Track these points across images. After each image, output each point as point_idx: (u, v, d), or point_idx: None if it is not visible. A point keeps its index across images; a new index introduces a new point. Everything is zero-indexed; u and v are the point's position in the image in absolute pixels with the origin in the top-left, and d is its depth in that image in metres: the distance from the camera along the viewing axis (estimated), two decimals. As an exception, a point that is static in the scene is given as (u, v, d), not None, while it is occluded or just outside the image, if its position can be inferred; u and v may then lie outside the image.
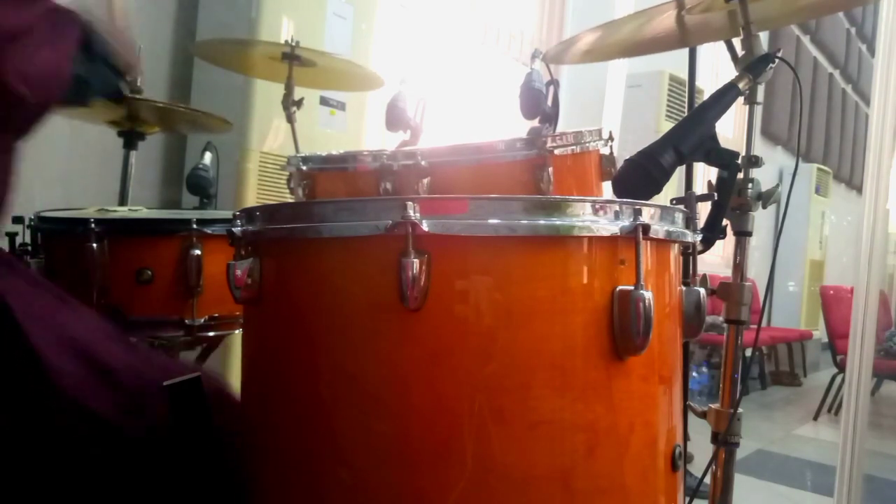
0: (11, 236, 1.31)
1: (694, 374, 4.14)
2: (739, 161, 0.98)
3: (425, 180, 0.97)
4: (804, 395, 5.01)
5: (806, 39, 6.53)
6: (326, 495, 0.74)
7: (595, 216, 0.72)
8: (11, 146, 0.73)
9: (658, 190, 0.87)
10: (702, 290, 0.85)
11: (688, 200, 0.98)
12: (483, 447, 0.69)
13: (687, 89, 1.57)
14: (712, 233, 0.97)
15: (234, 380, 0.91)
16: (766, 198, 1.06)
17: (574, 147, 1.03)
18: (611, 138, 1.10)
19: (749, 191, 1.05)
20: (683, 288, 0.85)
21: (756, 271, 4.71)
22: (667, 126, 3.28)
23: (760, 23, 1.11)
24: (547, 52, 1.34)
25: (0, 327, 0.72)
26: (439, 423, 0.69)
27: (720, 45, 1.17)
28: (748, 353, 3.24)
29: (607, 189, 1.01)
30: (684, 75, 1.61)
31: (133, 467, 0.79)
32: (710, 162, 0.96)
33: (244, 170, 2.04)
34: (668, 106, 3.90)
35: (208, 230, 1.31)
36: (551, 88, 1.18)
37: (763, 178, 1.05)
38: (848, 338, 2.07)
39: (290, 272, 0.79)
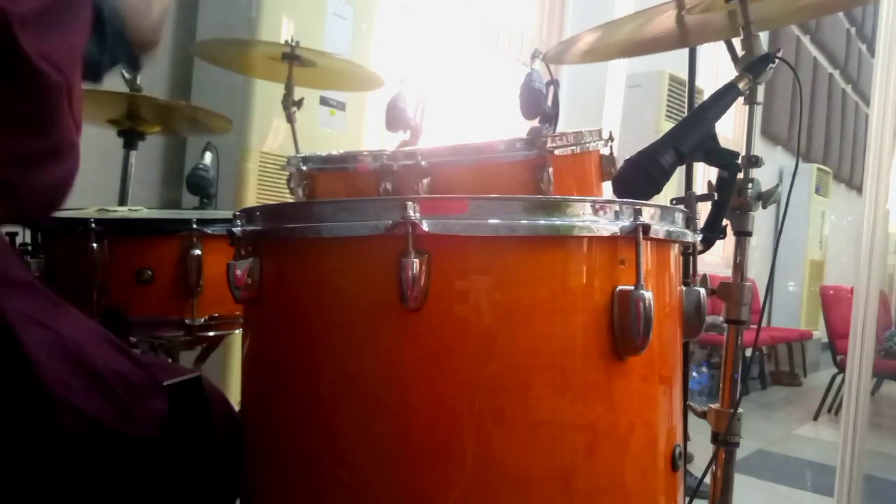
0: (11, 236, 1.31)
1: (694, 374, 4.14)
2: (739, 161, 0.98)
3: (425, 180, 0.97)
4: (804, 395, 5.01)
5: (806, 39, 6.53)
6: (326, 495, 0.74)
7: (595, 216, 0.72)
8: (62, 140, 0.71)
9: (658, 190, 0.87)
10: (702, 290, 0.85)
11: (688, 200, 0.98)
12: (483, 447, 0.69)
13: (687, 89, 1.57)
14: (712, 233, 0.97)
15: (234, 380, 0.91)
16: (766, 198, 1.06)
17: (574, 147, 1.03)
18: (611, 138, 1.10)
19: (749, 191, 1.05)
20: (683, 288, 0.85)
21: (756, 271, 4.71)
22: (667, 126, 3.28)
23: (760, 23, 1.11)
24: (547, 52, 1.34)
25: None
26: (439, 423, 0.69)
27: (720, 45, 1.17)
28: (748, 353, 3.24)
29: (607, 189, 1.01)
30: (684, 75, 1.61)
31: (126, 471, 0.79)
32: (710, 162, 0.96)
33: (244, 170, 2.04)
34: (668, 106, 3.90)
35: (208, 230, 1.31)
36: (551, 88, 1.18)
37: (763, 178, 1.05)
38: (848, 338, 2.07)
39: (290, 272, 0.79)
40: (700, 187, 1.09)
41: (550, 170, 0.97)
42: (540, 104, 1.17)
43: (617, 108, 3.73)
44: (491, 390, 0.69)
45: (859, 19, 7.63)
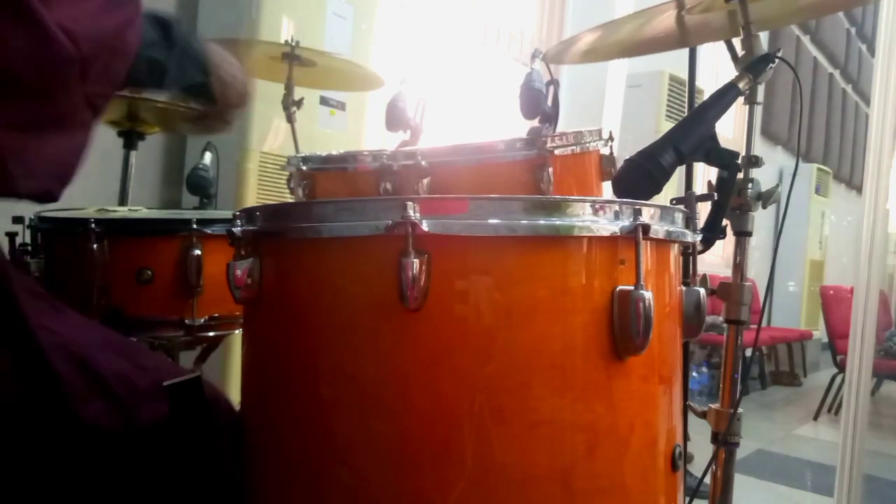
0: (11, 236, 1.31)
1: (694, 374, 4.14)
2: (739, 161, 0.98)
3: (425, 180, 0.97)
4: (804, 395, 5.01)
5: (806, 39, 6.53)
6: (326, 495, 0.74)
7: (595, 216, 0.72)
8: (75, 117, 0.71)
9: (658, 190, 0.87)
10: (702, 290, 0.85)
11: (688, 200, 0.98)
12: (483, 447, 0.69)
13: (687, 89, 1.57)
14: (712, 233, 0.97)
15: (234, 380, 0.91)
16: (766, 198, 1.06)
17: (574, 147, 1.03)
18: (611, 138, 1.10)
19: (749, 191, 1.05)
20: (683, 288, 0.85)
21: (756, 271, 4.71)
22: (667, 126, 3.28)
23: (760, 23, 1.11)
24: (547, 52, 1.34)
25: (13, 327, 0.73)
26: (439, 423, 0.69)
27: (720, 45, 1.17)
28: (748, 353, 3.24)
29: (607, 189, 1.01)
30: (684, 75, 1.61)
31: (127, 472, 0.79)
32: (710, 162, 0.96)
33: (244, 170, 2.04)
34: (668, 106, 3.91)
35: (208, 230, 1.31)
36: (551, 88, 1.18)
37: (763, 178, 1.05)
38: (848, 338, 2.07)
39: (290, 272, 0.79)
40: (700, 187, 1.09)
41: (550, 170, 0.97)
42: (540, 104, 1.17)
43: (617, 108, 3.73)
44: (491, 390, 0.69)
45: (859, 19, 7.63)
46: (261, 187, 2.07)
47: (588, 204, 0.72)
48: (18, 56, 0.62)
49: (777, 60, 1.03)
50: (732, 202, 1.02)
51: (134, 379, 0.81)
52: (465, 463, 0.69)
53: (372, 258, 0.72)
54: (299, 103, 1.68)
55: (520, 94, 1.19)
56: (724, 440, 1.06)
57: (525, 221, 0.70)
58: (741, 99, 1.01)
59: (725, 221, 1.00)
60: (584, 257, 0.73)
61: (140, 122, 1.70)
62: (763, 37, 1.11)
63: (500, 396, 0.69)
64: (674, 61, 3.72)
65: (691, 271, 0.88)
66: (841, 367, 3.92)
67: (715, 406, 1.07)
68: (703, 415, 1.08)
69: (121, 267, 1.27)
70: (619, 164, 0.92)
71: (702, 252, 0.93)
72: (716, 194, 0.99)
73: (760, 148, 1.81)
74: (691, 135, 0.92)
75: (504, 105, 3.52)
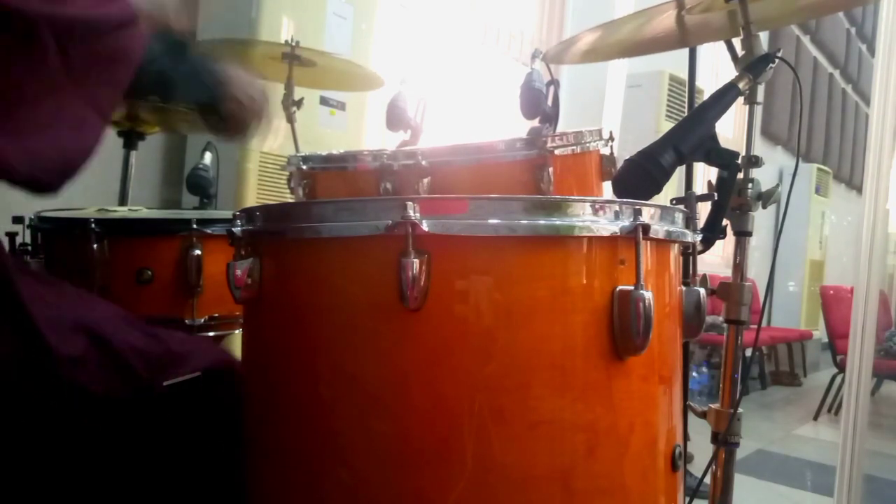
0: (11, 236, 1.31)
1: (694, 374, 4.14)
2: (739, 161, 0.98)
3: (425, 180, 0.97)
4: (804, 395, 5.01)
5: (806, 39, 6.53)
6: (326, 495, 0.74)
7: (595, 216, 0.72)
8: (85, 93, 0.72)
9: (658, 190, 0.87)
10: (702, 290, 0.85)
11: (688, 200, 0.98)
12: (483, 447, 0.69)
13: (687, 89, 1.58)
14: (712, 233, 0.97)
15: (234, 380, 0.92)
16: (766, 198, 1.06)
17: (574, 147, 1.03)
18: (611, 138, 1.11)
19: (749, 191, 1.05)
20: (683, 288, 0.85)
21: (756, 271, 4.71)
22: (667, 126, 3.28)
23: (760, 23, 1.11)
24: (547, 52, 1.34)
25: (3, 299, 0.73)
26: (439, 423, 0.69)
27: (720, 45, 1.17)
28: (748, 353, 3.24)
29: (607, 189, 1.01)
30: (684, 75, 1.61)
31: (140, 450, 0.81)
32: (710, 162, 0.96)
33: (244, 170, 2.04)
34: (668, 106, 3.91)
35: (208, 230, 1.31)
36: (551, 88, 1.18)
37: (763, 178, 1.05)
38: (848, 338, 2.07)
39: (290, 272, 0.79)
40: (700, 187, 1.09)
41: (550, 170, 0.97)
42: (540, 104, 1.17)
43: (617, 108, 3.73)
44: (491, 390, 0.69)
45: (859, 19, 7.62)
46: (261, 187, 2.07)
47: (588, 204, 0.72)
48: None
49: (777, 60, 1.03)
50: (732, 202, 1.02)
51: (149, 351, 0.83)
52: (465, 463, 0.69)
53: (372, 258, 0.72)
54: (299, 103, 1.68)
55: (520, 94, 1.19)
56: (724, 440, 1.06)
57: (525, 221, 0.70)
58: (741, 99, 1.01)
59: (725, 221, 1.00)
60: (584, 257, 0.73)
61: (140, 122, 1.70)
62: (763, 37, 1.11)
63: (500, 396, 0.69)
64: (674, 61, 3.72)
65: (691, 271, 0.88)
66: (841, 367, 3.92)
67: (715, 406, 1.07)
68: (703, 415, 1.08)
69: (121, 267, 1.27)
70: (620, 164, 0.92)
71: (702, 252, 0.93)
72: (716, 194, 0.99)
73: (760, 148, 1.81)
74: (691, 135, 0.92)
75: (504, 105, 3.52)
